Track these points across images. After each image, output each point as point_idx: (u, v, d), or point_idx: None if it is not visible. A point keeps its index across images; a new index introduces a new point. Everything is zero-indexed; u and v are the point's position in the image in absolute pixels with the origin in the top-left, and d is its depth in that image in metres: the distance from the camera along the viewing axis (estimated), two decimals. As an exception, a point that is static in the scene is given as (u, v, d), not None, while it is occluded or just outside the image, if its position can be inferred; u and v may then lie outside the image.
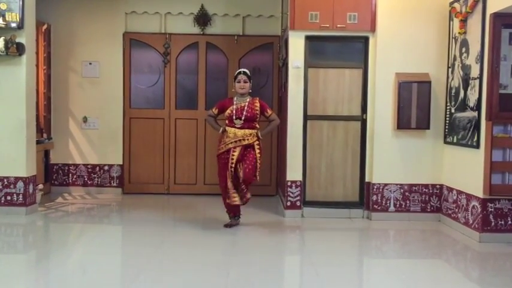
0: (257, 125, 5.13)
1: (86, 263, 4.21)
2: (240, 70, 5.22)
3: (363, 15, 5.65)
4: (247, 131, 5.04)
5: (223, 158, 5.09)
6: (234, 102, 5.12)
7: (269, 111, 5.19)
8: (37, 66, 6.31)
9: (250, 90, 5.18)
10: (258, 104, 5.12)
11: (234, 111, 5.05)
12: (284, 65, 6.27)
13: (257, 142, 5.08)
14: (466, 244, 4.86)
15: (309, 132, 5.80)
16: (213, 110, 5.25)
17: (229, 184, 5.03)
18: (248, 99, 5.12)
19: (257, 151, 5.05)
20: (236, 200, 5.04)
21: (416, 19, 5.59)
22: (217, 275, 3.80)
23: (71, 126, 7.04)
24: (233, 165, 4.99)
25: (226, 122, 5.13)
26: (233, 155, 4.99)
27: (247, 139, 5.03)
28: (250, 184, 5.09)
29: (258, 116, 5.11)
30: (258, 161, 5.06)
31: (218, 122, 5.29)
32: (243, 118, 5.02)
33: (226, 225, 5.22)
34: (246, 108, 5.05)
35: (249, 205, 5.38)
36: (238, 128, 5.03)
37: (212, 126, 5.32)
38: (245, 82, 5.10)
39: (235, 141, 5.02)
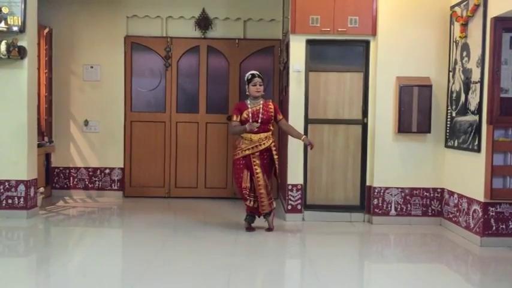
0: (271, 127, 5.13)
1: (87, 266, 4.21)
2: (253, 73, 5.12)
3: (364, 19, 5.65)
4: (263, 135, 5.02)
5: (239, 163, 5.07)
6: (248, 106, 5.08)
7: (281, 116, 5.20)
8: (38, 69, 6.32)
9: (263, 93, 5.17)
10: (272, 106, 5.12)
11: (250, 115, 5.01)
12: (285, 68, 6.28)
13: (273, 144, 5.09)
14: (467, 248, 4.85)
15: (310, 135, 5.78)
16: (235, 118, 5.10)
17: (263, 191, 5.02)
18: (262, 102, 5.10)
19: (274, 155, 5.07)
20: (265, 208, 5.09)
21: (417, 23, 5.59)
22: (218, 279, 3.79)
23: (72, 130, 7.05)
24: (258, 173, 5.00)
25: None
26: (255, 164, 5.01)
27: (264, 143, 5.02)
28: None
29: (273, 118, 5.10)
30: (276, 162, 5.10)
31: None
32: (259, 121, 5.00)
33: (248, 229, 5.22)
34: (261, 111, 5.03)
35: (250, 209, 5.37)
36: (254, 132, 5.00)
37: (240, 131, 5.07)
38: (260, 85, 5.07)
39: (252, 147, 5.01)
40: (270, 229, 5.21)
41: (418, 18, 5.59)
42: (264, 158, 5.07)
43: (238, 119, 5.09)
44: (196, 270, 4.01)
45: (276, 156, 5.09)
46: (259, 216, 5.24)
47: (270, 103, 5.14)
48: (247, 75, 5.16)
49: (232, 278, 3.83)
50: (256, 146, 5.01)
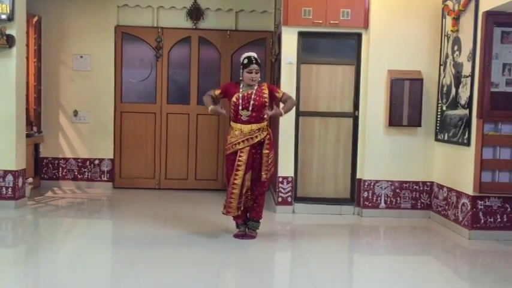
0: (266, 116, 4.45)
1: (76, 257, 4.18)
2: (250, 56, 4.47)
3: (356, 11, 5.65)
4: (255, 126, 4.40)
5: (231, 158, 4.48)
6: (240, 90, 4.46)
7: (280, 92, 4.59)
8: (27, 58, 6.25)
9: (259, 79, 4.54)
10: (266, 90, 4.46)
11: (240, 100, 4.40)
12: (277, 60, 6.26)
13: (268, 137, 4.47)
14: (455, 241, 4.89)
15: (301, 128, 5.80)
16: (215, 91, 4.56)
17: (236, 191, 4.41)
18: (256, 87, 4.45)
19: (264, 150, 4.46)
20: (232, 211, 4.46)
21: (409, 16, 5.60)
22: (207, 272, 3.78)
23: (61, 120, 6.99)
24: (239, 170, 4.38)
25: (231, 114, 4.49)
26: (240, 159, 4.39)
27: (256, 136, 4.41)
28: (263, 194, 4.60)
29: (267, 103, 4.46)
30: (270, 159, 4.49)
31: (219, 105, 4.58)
32: (250, 108, 4.38)
33: (237, 236, 4.65)
34: (253, 96, 4.40)
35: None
36: (245, 122, 4.40)
37: (205, 103, 4.51)
38: (257, 73, 4.42)
39: (243, 141, 4.40)
40: (240, 235, 4.65)
41: (410, 11, 5.60)
42: (257, 153, 4.46)
43: (218, 93, 4.54)
44: (185, 263, 4.00)
45: (266, 151, 4.46)
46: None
47: (264, 86, 4.49)
48: (243, 57, 4.49)
49: (221, 269, 3.83)
50: (247, 139, 4.39)
